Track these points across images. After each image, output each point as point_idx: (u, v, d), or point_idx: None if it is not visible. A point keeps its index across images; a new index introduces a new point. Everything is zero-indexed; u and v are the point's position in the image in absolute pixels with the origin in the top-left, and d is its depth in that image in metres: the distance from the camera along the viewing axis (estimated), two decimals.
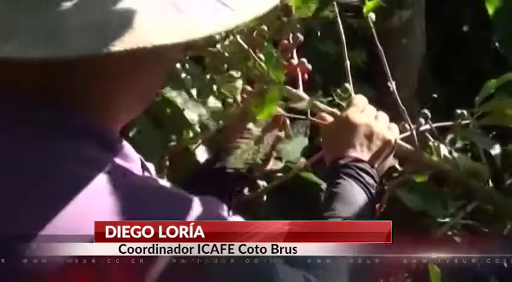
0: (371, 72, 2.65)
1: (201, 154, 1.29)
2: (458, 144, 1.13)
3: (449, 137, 1.10)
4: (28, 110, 0.64)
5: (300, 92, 1.11)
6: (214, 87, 1.19)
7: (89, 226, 0.59)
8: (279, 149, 1.19)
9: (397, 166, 1.10)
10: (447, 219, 1.11)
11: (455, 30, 3.24)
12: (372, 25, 1.06)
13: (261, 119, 1.07)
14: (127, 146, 0.69)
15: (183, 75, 1.20)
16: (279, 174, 1.21)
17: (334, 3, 1.13)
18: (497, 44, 3.14)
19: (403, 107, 1.09)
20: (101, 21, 0.57)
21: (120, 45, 0.56)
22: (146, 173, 0.73)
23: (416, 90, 2.80)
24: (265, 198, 1.22)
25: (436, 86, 3.04)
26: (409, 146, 1.09)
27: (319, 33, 2.72)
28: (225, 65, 1.13)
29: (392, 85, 1.07)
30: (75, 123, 0.64)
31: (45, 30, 0.57)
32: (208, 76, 1.19)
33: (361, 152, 1.00)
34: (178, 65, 1.20)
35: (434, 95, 3.02)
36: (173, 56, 0.72)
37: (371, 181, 0.98)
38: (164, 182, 0.70)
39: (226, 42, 1.10)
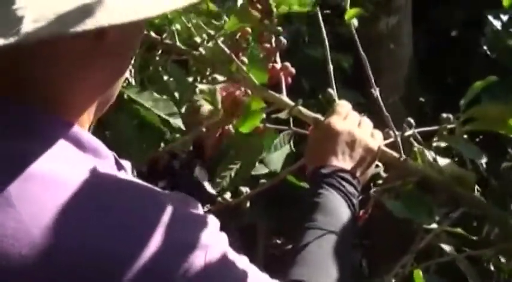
0: (359, 77, 2.65)
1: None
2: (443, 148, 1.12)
3: (435, 143, 1.09)
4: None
5: (283, 96, 1.09)
6: (197, 90, 1.17)
7: (55, 225, 0.58)
8: (265, 158, 1.18)
9: (382, 173, 1.09)
10: (433, 226, 1.09)
11: (442, 34, 3.26)
12: (354, 32, 1.04)
13: (243, 131, 1.07)
14: (97, 143, 0.68)
15: (165, 77, 1.18)
16: (262, 181, 1.19)
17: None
18: (485, 47, 3.16)
19: (387, 113, 1.08)
20: (58, 10, 0.59)
21: (79, 27, 0.59)
22: (121, 170, 0.72)
23: (404, 95, 2.81)
24: (248, 204, 1.20)
25: (424, 91, 3.05)
26: (393, 153, 1.07)
27: (306, 38, 2.72)
28: (208, 69, 1.11)
29: (376, 92, 1.05)
30: (42, 120, 0.65)
31: (4, 23, 0.59)
32: (191, 79, 1.17)
33: (343, 161, 0.99)
34: (160, 68, 1.18)
35: (422, 99, 3.03)
36: (133, 45, 0.73)
37: (353, 190, 0.97)
38: (137, 179, 0.68)
39: (210, 44, 1.08)
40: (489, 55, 3.14)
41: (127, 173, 0.74)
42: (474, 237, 1.20)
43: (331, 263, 0.86)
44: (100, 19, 0.59)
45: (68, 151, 0.65)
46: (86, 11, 0.59)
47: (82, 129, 0.69)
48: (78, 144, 0.66)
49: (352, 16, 1.06)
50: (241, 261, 0.69)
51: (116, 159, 0.72)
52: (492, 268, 1.30)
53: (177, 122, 1.23)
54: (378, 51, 2.69)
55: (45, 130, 0.65)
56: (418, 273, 1.20)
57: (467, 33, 3.22)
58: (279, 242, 3.17)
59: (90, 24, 0.59)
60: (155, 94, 1.18)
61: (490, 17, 3.17)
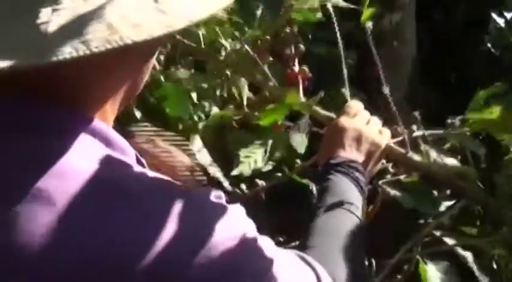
0: (361, 76, 2.69)
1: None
2: (448, 146, 1.19)
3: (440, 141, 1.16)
4: (22, 110, 0.64)
5: (301, 98, 1.17)
6: (218, 92, 1.24)
7: (85, 224, 0.59)
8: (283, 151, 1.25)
9: (390, 168, 1.17)
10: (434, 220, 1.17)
11: (444, 33, 3.27)
12: (369, 33, 1.11)
13: (263, 124, 1.14)
14: (122, 140, 0.68)
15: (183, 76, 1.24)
16: (278, 174, 1.27)
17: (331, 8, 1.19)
18: (489, 45, 3.18)
19: (395, 110, 1.15)
20: (81, 25, 0.59)
21: (102, 46, 0.58)
22: (140, 166, 0.70)
23: (407, 93, 2.84)
24: (263, 196, 1.28)
25: (427, 88, 3.07)
26: (401, 149, 1.15)
27: (310, 36, 2.77)
28: (228, 71, 1.19)
29: (386, 89, 1.13)
30: (70, 120, 0.65)
31: (28, 39, 0.59)
32: (209, 81, 1.25)
33: (350, 153, 1.05)
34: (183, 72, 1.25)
35: (425, 97, 3.05)
36: (155, 49, 0.74)
37: (361, 177, 1.03)
38: (160, 175, 0.67)
39: (231, 48, 1.16)
40: (491, 53, 3.16)
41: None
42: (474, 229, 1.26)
43: (344, 240, 0.90)
44: (124, 36, 0.59)
45: (97, 149, 0.65)
46: (109, 27, 0.58)
47: (108, 125, 0.69)
48: (107, 142, 0.66)
49: (368, 17, 1.12)
50: (269, 247, 0.68)
51: (137, 157, 0.72)
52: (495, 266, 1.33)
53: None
54: (380, 48, 2.71)
55: (70, 127, 0.65)
56: (423, 268, 1.26)
57: (469, 32, 3.23)
58: (281, 240, 3.19)
59: (114, 42, 0.58)
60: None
61: (494, 15, 3.20)
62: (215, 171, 1.40)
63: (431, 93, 3.05)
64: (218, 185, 1.43)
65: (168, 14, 0.62)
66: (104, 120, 0.68)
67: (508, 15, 3.17)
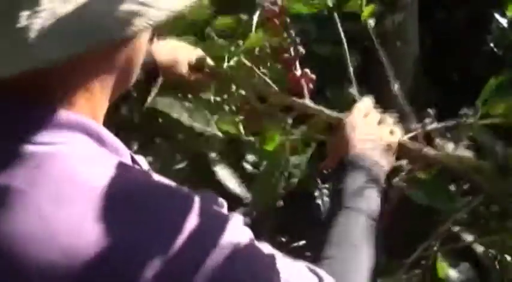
0: (364, 75, 2.69)
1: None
2: (464, 142, 1.17)
3: (455, 134, 1.13)
4: (11, 109, 0.63)
5: (307, 101, 1.15)
6: (226, 107, 1.22)
7: (87, 230, 0.57)
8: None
9: (404, 165, 1.14)
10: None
11: (448, 32, 3.28)
12: (370, 31, 1.10)
13: (268, 149, 1.12)
14: (115, 139, 0.67)
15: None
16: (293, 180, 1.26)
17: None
18: (491, 45, 3.17)
19: (408, 106, 1.13)
20: (64, 26, 0.58)
21: (91, 45, 0.58)
22: (137, 167, 0.70)
23: (408, 92, 2.84)
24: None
25: (428, 88, 3.07)
26: (415, 145, 1.12)
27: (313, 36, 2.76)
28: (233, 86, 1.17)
29: (395, 86, 1.11)
30: (62, 119, 0.63)
31: (11, 44, 0.57)
32: (218, 99, 1.23)
33: (364, 151, 1.03)
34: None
35: (426, 97, 3.05)
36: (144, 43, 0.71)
37: (380, 172, 1.02)
38: (159, 176, 0.66)
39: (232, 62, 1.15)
40: (493, 53, 3.16)
41: (142, 168, 0.72)
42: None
43: (360, 245, 0.91)
44: (113, 33, 0.58)
45: (91, 149, 0.64)
46: (95, 26, 0.58)
47: (98, 121, 0.67)
48: (101, 141, 0.65)
49: (368, 15, 1.10)
50: (268, 254, 0.68)
51: (131, 156, 0.70)
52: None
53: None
54: (383, 48, 2.72)
55: (63, 127, 0.63)
56: (442, 265, 1.23)
57: (471, 32, 3.24)
58: (283, 240, 3.17)
59: (102, 41, 0.58)
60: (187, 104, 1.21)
61: (497, 15, 3.20)
62: (234, 186, 1.38)
63: (432, 93, 3.05)
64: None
65: (151, 7, 0.60)
66: (94, 116, 0.66)
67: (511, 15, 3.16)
